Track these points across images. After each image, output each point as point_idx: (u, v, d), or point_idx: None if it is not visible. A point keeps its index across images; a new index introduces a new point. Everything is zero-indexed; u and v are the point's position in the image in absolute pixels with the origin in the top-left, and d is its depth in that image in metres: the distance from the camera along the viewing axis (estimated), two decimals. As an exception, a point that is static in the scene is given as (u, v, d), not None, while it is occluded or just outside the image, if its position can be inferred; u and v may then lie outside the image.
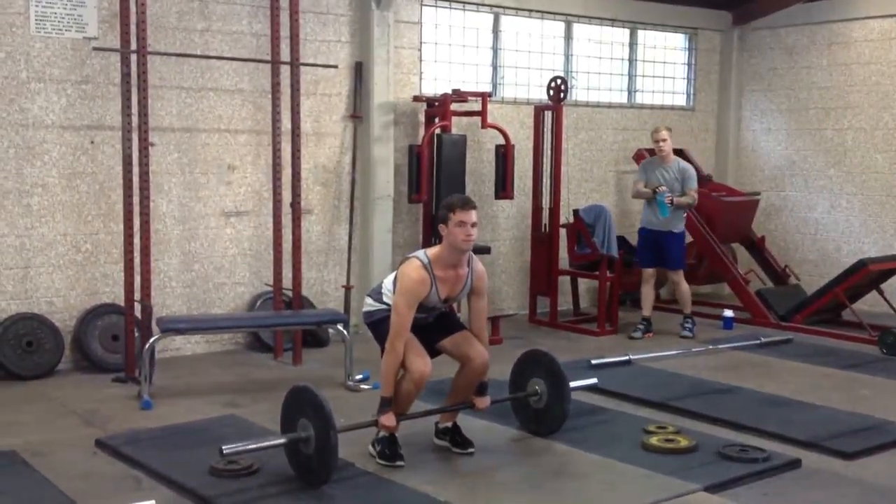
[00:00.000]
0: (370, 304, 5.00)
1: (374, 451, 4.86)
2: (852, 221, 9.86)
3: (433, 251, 4.81)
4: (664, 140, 8.07)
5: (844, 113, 9.89)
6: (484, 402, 5.02)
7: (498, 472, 4.82)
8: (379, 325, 4.90)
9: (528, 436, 5.37)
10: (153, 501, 4.03)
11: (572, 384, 5.38)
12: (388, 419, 4.72)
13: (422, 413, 5.07)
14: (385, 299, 4.90)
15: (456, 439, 5.05)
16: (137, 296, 6.48)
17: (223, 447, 4.41)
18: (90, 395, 6.15)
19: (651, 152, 9.24)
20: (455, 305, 5.48)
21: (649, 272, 8.33)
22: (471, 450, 5.01)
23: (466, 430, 5.13)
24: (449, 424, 5.10)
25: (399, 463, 4.75)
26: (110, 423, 5.52)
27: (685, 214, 8.29)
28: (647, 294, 8.35)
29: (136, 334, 6.50)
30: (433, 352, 4.97)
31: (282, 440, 4.57)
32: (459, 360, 4.97)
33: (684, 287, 8.39)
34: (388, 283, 4.92)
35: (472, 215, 4.69)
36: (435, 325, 4.97)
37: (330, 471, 4.42)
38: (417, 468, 4.77)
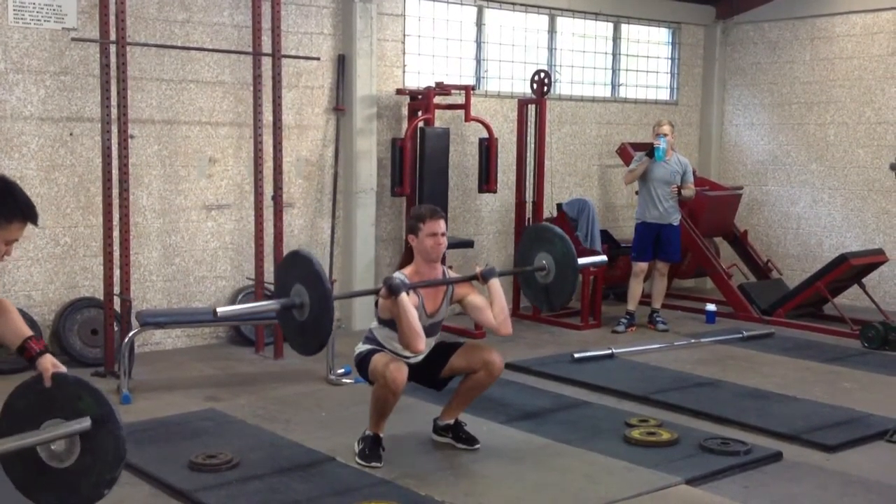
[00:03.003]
0: (359, 348, 4.87)
1: (356, 449, 4.79)
2: (834, 216, 9.89)
3: (407, 270, 4.78)
4: (666, 135, 8.05)
5: (827, 108, 9.92)
6: (489, 277, 4.84)
7: (479, 465, 4.80)
8: (367, 358, 4.76)
9: (509, 429, 5.35)
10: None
11: (581, 260, 5.21)
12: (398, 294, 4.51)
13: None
14: (373, 334, 4.84)
15: (460, 436, 5.00)
16: (117, 289, 6.43)
17: (217, 308, 4.32)
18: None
19: (635, 146, 9.27)
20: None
21: (642, 266, 8.31)
22: (476, 446, 4.96)
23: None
24: (451, 421, 5.03)
25: (375, 464, 4.67)
26: (89, 417, 5.46)
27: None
28: (636, 289, 8.33)
29: (116, 328, 6.46)
30: (440, 383, 4.92)
31: (276, 305, 4.42)
32: (476, 369, 4.84)
33: (665, 281, 8.42)
34: (373, 324, 4.87)
35: (441, 225, 4.72)
36: (432, 355, 4.86)
37: (323, 339, 4.29)
38: (396, 462, 4.74)
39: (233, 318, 4.17)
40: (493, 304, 4.81)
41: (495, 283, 4.84)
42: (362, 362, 4.77)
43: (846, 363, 7.12)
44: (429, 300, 4.77)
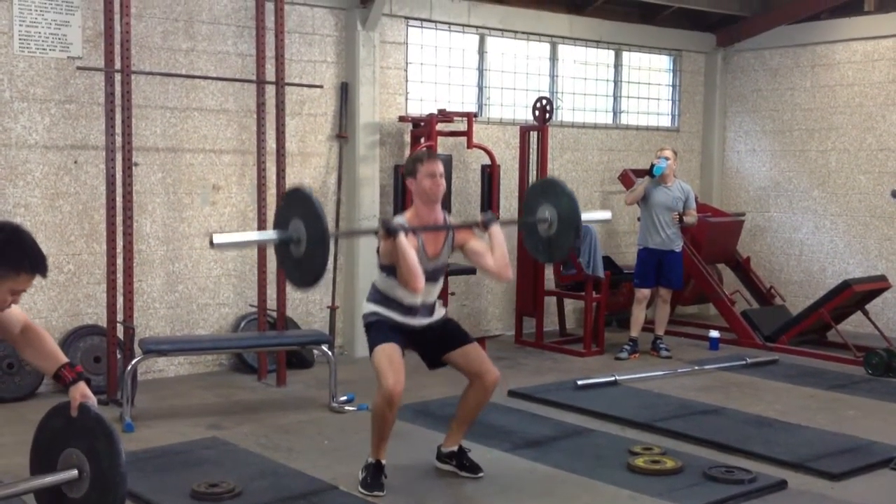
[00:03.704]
0: (365, 309, 4.88)
1: (360, 477, 4.77)
2: (837, 242, 9.90)
3: (408, 214, 4.80)
4: (668, 158, 8.06)
5: (828, 134, 9.95)
6: (490, 223, 4.83)
7: (482, 494, 4.78)
8: (368, 330, 4.82)
9: (512, 457, 5.33)
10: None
11: (584, 216, 5.20)
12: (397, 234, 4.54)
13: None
14: (375, 289, 4.83)
15: (464, 463, 4.98)
16: (120, 317, 6.43)
17: (213, 235, 4.33)
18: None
19: (637, 173, 9.29)
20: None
21: (644, 293, 8.30)
22: (480, 474, 4.94)
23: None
24: (454, 448, 5.00)
25: (378, 493, 4.65)
26: (91, 445, 5.45)
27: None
28: (639, 315, 8.33)
29: (119, 356, 6.45)
30: (437, 363, 4.90)
31: (274, 237, 4.48)
32: (469, 377, 4.84)
33: (668, 308, 8.42)
34: (375, 277, 4.86)
35: (439, 166, 4.75)
36: (441, 334, 4.86)
37: (319, 273, 4.32)
38: (400, 491, 4.72)
39: (230, 246, 4.26)
40: (493, 250, 4.78)
41: (496, 229, 4.81)
42: (368, 329, 4.78)
43: (850, 390, 7.09)
44: (429, 243, 4.76)
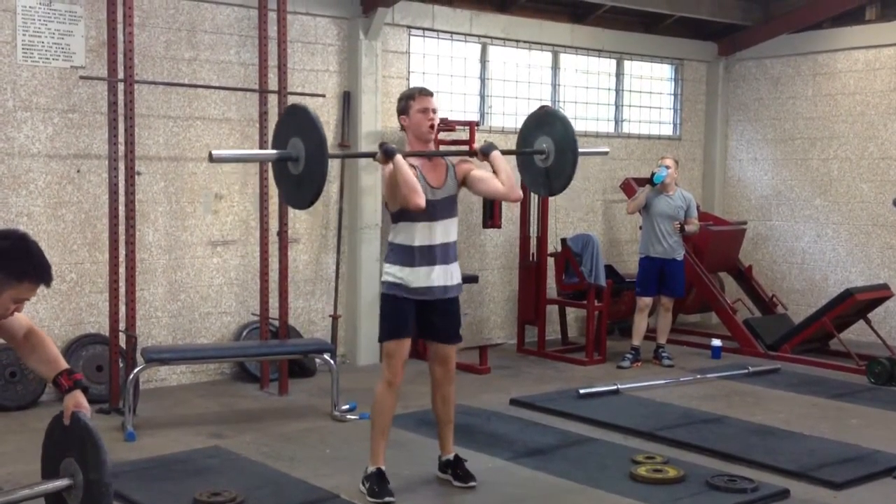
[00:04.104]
0: (384, 271, 4.87)
1: (364, 489, 4.77)
2: (839, 251, 9.90)
3: (402, 153, 4.78)
4: (668, 167, 8.07)
5: (830, 143, 9.96)
6: (489, 151, 4.82)
7: (482, 503, 4.77)
8: (382, 305, 4.85)
9: (514, 466, 5.33)
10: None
11: (582, 150, 5.14)
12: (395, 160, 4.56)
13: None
14: (391, 251, 4.82)
15: (457, 472, 4.98)
16: (122, 326, 6.44)
17: (212, 151, 4.35)
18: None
19: (639, 181, 9.30)
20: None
21: (646, 301, 8.30)
22: (472, 483, 4.93)
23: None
24: (450, 457, 5.02)
25: (388, 499, 4.67)
26: (93, 454, 5.44)
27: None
28: (641, 324, 8.33)
29: (121, 365, 6.45)
30: (422, 337, 4.94)
31: (273, 155, 4.50)
32: (432, 360, 4.92)
33: (670, 317, 8.42)
34: (390, 237, 4.86)
35: (432, 101, 4.77)
36: (442, 320, 4.84)
37: (317, 190, 4.36)
38: (400, 500, 4.71)
39: (229, 160, 4.32)
40: (499, 174, 4.75)
41: (496, 154, 4.81)
42: (383, 304, 4.81)
43: (853, 399, 7.08)
44: (429, 173, 4.75)
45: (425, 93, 4.81)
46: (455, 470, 4.99)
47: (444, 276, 4.77)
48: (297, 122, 4.42)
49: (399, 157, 4.55)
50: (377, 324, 5.02)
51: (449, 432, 5.03)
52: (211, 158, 4.34)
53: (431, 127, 4.75)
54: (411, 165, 4.62)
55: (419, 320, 4.82)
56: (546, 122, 5.16)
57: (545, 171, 5.13)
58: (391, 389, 4.76)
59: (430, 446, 5.28)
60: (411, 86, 8.42)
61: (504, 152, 4.90)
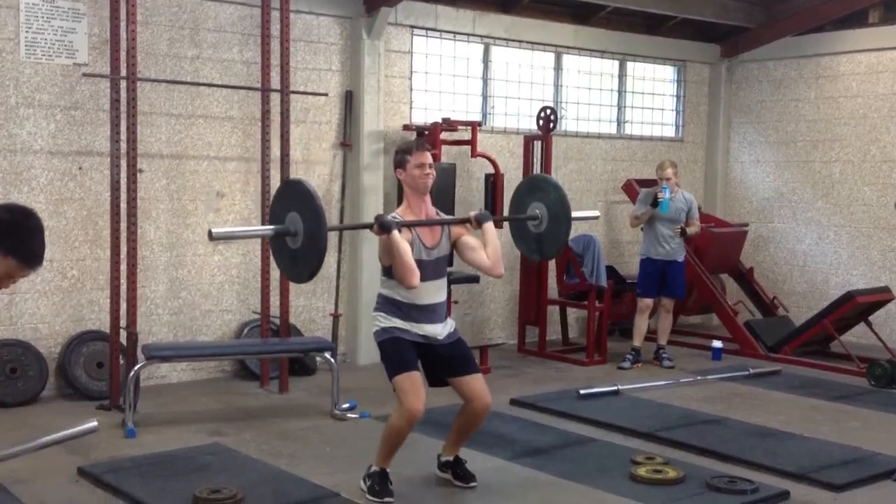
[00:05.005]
0: (374, 321, 4.84)
1: (365, 487, 4.77)
2: (840, 253, 9.89)
3: (400, 209, 4.80)
4: (668, 179, 8.05)
5: (832, 145, 9.96)
6: (483, 220, 4.84)
7: (482, 503, 4.77)
8: (382, 352, 4.78)
9: (514, 465, 5.33)
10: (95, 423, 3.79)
11: (574, 213, 5.15)
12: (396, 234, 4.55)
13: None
14: (381, 297, 4.80)
15: (458, 472, 4.97)
16: (123, 323, 6.44)
17: (212, 229, 4.37)
18: (74, 423, 6.00)
19: (641, 182, 9.31)
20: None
21: (647, 303, 8.30)
22: (473, 484, 4.93)
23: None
24: (451, 458, 5.01)
25: (388, 499, 4.66)
26: (93, 451, 5.45)
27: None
28: (641, 325, 8.33)
29: (122, 361, 6.46)
30: (438, 383, 4.89)
31: (270, 230, 4.50)
32: (463, 398, 4.84)
33: (671, 318, 8.42)
34: (381, 283, 4.84)
35: (428, 156, 4.77)
36: (450, 356, 4.81)
37: (315, 267, 4.34)
38: (401, 499, 4.71)
39: (228, 238, 4.34)
40: (486, 246, 4.78)
41: (489, 225, 4.83)
42: (382, 350, 4.74)
43: (853, 401, 7.08)
44: (426, 235, 4.76)
45: (423, 148, 4.82)
46: (455, 470, 4.99)
47: (434, 329, 4.77)
48: (294, 196, 4.41)
49: (395, 233, 4.51)
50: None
51: (459, 444, 5.02)
52: (211, 237, 4.35)
53: (427, 180, 4.74)
54: (408, 229, 4.63)
55: (426, 364, 4.80)
56: (539, 188, 5.20)
57: (537, 237, 5.17)
58: (410, 426, 4.64)
59: (432, 446, 5.28)
60: (412, 88, 8.46)
61: (499, 219, 4.91)
